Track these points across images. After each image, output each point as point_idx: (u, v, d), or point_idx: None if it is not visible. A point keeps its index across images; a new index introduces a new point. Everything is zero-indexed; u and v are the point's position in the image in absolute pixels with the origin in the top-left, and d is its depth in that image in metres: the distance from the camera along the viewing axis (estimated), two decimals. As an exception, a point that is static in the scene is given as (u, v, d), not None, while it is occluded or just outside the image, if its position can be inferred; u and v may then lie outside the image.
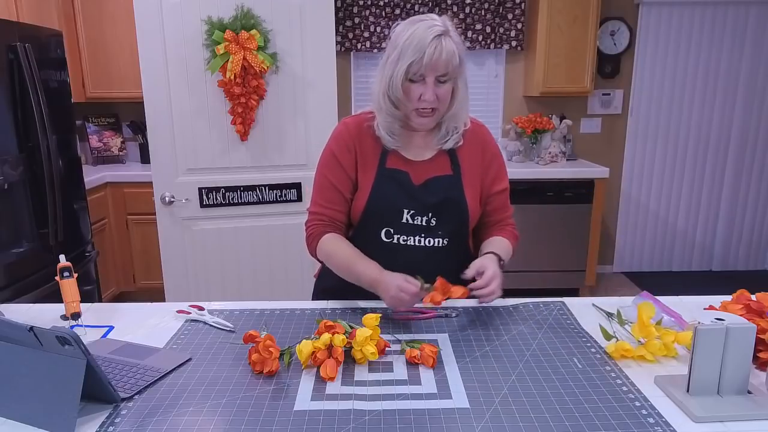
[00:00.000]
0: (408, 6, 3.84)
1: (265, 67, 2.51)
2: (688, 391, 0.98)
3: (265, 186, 2.70)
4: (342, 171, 1.43)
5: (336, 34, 3.50)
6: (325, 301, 1.45)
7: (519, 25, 3.89)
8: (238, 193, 2.68)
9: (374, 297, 1.41)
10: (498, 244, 1.44)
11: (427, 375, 1.09)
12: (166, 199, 2.59)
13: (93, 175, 3.40)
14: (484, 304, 1.38)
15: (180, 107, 2.53)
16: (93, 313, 1.38)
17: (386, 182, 1.41)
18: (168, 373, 1.09)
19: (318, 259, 1.48)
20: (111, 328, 1.30)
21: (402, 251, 1.41)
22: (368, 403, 0.99)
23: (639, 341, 1.17)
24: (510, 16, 3.88)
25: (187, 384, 1.06)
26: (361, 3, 3.82)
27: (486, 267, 1.29)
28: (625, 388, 1.03)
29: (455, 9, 3.86)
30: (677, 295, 1.46)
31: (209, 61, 2.48)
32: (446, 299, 1.26)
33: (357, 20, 3.85)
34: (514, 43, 3.93)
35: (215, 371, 1.10)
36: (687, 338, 1.12)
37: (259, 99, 2.58)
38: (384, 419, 0.94)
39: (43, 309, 1.42)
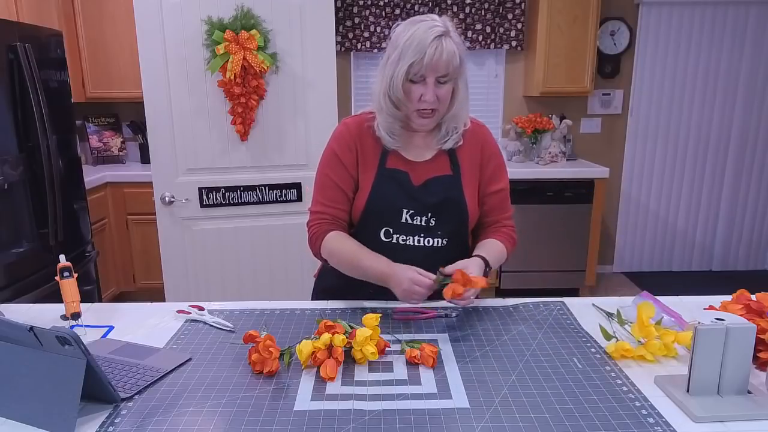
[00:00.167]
0: (408, 6, 3.84)
1: (265, 67, 2.51)
2: (688, 391, 0.98)
3: (265, 186, 2.70)
4: (344, 169, 1.43)
5: (336, 34, 3.50)
6: (325, 301, 1.45)
7: (519, 25, 3.89)
8: (238, 193, 2.68)
9: (374, 297, 1.41)
10: (489, 248, 1.43)
11: (427, 375, 1.09)
12: (166, 199, 2.59)
13: (93, 175, 3.40)
14: (455, 304, 1.32)
15: (180, 107, 2.53)
16: (93, 313, 1.38)
17: (386, 182, 1.41)
18: (168, 373, 1.09)
19: (322, 259, 1.48)
20: (111, 328, 1.30)
21: (401, 251, 1.41)
22: (368, 403, 0.99)
23: (639, 341, 1.17)
24: (510, 16, 3.88)
25: (187, 384, 1.06)
26: (361, 3, 3.82)
27: (468, 269, 1.26)
28: (625, 388, 1.03)
29: (455, 9, 3.86)
30: (677, 295, 1.46)
31: (209, 61, 2.48)
32: (467, 290, 1.23)
33: (357, 20, 3.85)
34: (514, 43, 3.93)
35: (215, 371, 1.10)
36: (687, 338, 1.12)
37: (259, 99, 2.58)
38: (384, 419, 0.94)
39: (43, 309, 1.42)
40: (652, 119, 4.14)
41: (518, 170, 3.69)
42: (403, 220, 1.41)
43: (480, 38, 3.91)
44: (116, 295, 3.63)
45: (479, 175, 1.47)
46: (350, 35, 3.87)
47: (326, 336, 1.11)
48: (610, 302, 1.41)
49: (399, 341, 1.20)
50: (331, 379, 1.06)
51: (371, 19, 3.84)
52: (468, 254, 1.51)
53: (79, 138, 3.23)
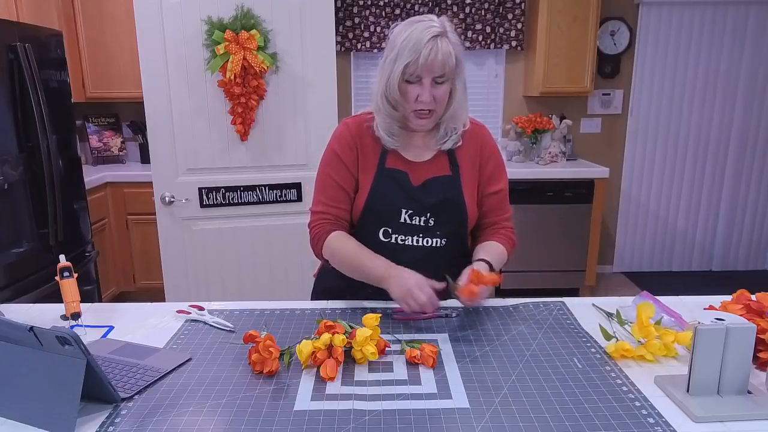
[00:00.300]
0: (408, 6, 3.84)
1: (265, 67, 2.51)
2: (688, 391, 0.98)
3: (265, 186, 2.70)
4: (345, 169, 1.43)
5: (336, 34, 3.50)
6: (325, 301, 1.45)
7: (519, 25, 3.89)
8: (238, 193, 2.68)
9: (373, 297, 1.41)
10: (490, 250, 1.42)
11: (427, 375, 1.09)
12: (166, 199, 2.59)
13: (93, 175, 3.40)
14: (469, 305, 1.34)
15: (180, 107, 2.53)
16: (93, 313, 1.38)
17: (385, 182, 1.41)
18: (168, 373, 1.09)
19: (324, 260, 1.47)
20: (111, 328, 1.30)
21: (400, 251, 1.41)
22: (368, 403, 0.99)
23: (639, 341, 1.17)
24: (510, 16, 3.88)
25: (187, 384, 1.06)
26: (361, 3, 3.82)
27: (478, 267, 1.28)
28: (625, 388, 1.03)
29: (455, 9, 3.86)
30: (677, 295, 1.46)
31: (209, 61, 2.48)
32: (482, 288, 1.23)
33: (357, 20, 3.85)
34: (514, 43, 3.93)
35: (215, 371, 1.10)
36: (687, 338, 1.12)
37: (259, 99, 2.58)
38: (384, 419, 0.94)
39: (43, 309, 1.42)
40: (652, 119, 4.14)
41: (518, 170, 3.69)
42: (402, 220, 1.41)
43: (480, 38, 3.91)
44: (116, 295, 3.63)
45: (478, 176, 1.47)
46: (350, 35, 3.87)
47: (326, 336, 1.11)
48: (610, 302, 1.41)
49: (399, 341, 1.20)
50: (331, 379, 1.06)
51: (371, 19, 3.84)
52: (467, 254, 1.51)
53: (79, 138, 3.23)
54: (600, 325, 1.24)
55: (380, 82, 1.36)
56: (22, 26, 2.57)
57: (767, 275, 4.35)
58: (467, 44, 3.88)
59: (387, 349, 1.17)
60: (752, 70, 4.05)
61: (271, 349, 1.07)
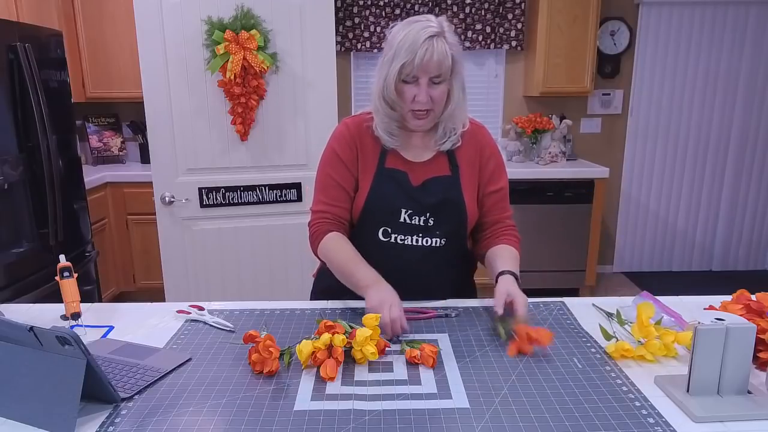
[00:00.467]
0: (408, 6, 3.84)
1: (265, 67, 2.51)
2: (688, 391, 0.98)
3: (265, 186, 2.70)
4: (345, 168, 1.43)
5: (336, 34, 3.50)
6: (325, 301, 1.45)
7: (519, 25, 3.89)
8: (238, 193, 2.68)
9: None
10: (509, 258, 1.39)
11: (427, 375, 1.09)
12: (166, 199, 2.59)
13: (93, 175, 3.40)
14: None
15: (180, 107, 2.53)
16: (93, 313, 1.38)
17: (385, 182, 1.41)
18: (168, 373, 1.09)
19: (320, 259, 1.48)
20: (111, 328, 1.30)
21: (400, 251, 1.41)
22: (368, 403, 0.99)
23: (639, 341, 1.17)
24: (510, 16, 3.88)
25: (187, 384, 1.06)
26: (361, 3, 3.82)
27: (513, 295, 1.24)
28: (625, 388, 1.03)
29: (455, 9, 3.86)
30: (677, 295, 1.46)
31: (209, 61, 2.48)
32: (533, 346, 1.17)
33: (357, 20, 3.85)
34: (514, 43, 3.92)
35: (215, 371, 1.10)
36: (687, 338, 1.12)
37: (259, 99, 2.58)
38: (384, 419, 0.94)
39: (43, 309, 1.42)
40: (652, 119, 4.14)
41: (518, 170, 3.69)
42: (402, 220, 1.40)
43: (480, 38, 3.91)
44: (116, 295, 3.63)
45: (478, 176, 1.47)
46: (350, 35, 3.87)
47: (326, 336, 1.11)
48: (610, 302, 1.41)
49: (399, 341, 1.20)
50: (331, 379, 1.06)
51: (371, 19, 3.84)
52: (467, 254, 1.51)
53: (79, 138, 3.23)
54: (600, 325, 1.24)
55: (378, 82, 1.36)
56: (22, 26, 2.57)
57: (767, 275, 4.35)
58: (467, 44, 3.88)
59: (387, 349, 1.17)
60: (752, 70, 4.05)
61: (271, 349, 1.07)
